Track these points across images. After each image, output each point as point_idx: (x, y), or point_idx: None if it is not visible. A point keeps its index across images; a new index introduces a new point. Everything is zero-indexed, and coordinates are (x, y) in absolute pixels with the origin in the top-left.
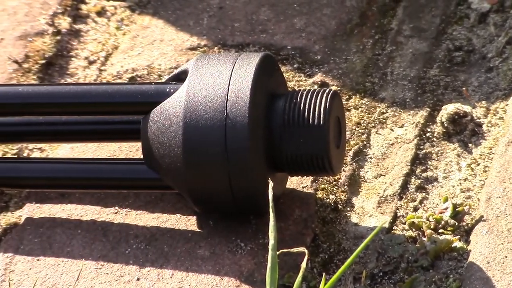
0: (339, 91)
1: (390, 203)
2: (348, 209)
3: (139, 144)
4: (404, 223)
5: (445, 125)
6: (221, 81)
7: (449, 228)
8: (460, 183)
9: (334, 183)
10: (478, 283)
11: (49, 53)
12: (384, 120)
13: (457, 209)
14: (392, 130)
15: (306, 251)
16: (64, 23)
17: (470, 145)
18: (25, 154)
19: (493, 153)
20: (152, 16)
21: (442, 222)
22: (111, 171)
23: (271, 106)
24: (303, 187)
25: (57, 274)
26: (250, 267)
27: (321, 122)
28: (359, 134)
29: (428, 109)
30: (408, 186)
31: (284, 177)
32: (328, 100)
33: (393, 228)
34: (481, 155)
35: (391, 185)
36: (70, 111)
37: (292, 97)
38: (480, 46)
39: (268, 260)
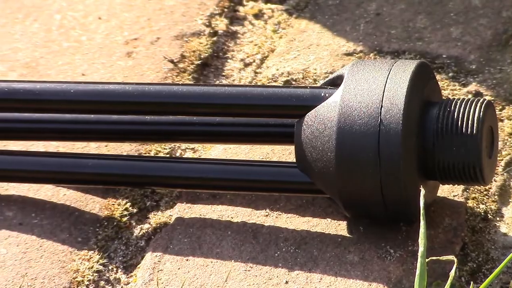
0: (492, 101)
1: None
2: (498, 219)
3: (292, 147)
4: None
5: None
6: (376, 87)
7: None
8: None
9: (484, 192)
10: None
11: (205, 54)
12: None
13: None
14: None
15: (455, 259)
16: (221, 24)
17: None
18: (177, 154)
19: None
20: (309, 20)
21: None
22: (263, 174)
23: (425, 114)
24: (454, 196)
25: (206, 275)
26: (398, 273)
27: (474, 132)
28: (511, 144)
29: None
30: None
31: (435, 185)
32: (481, 110)
33: None
34: None
35: None
36: (224, 112)
37: (446, 105)
38: None
39: (417, 267)
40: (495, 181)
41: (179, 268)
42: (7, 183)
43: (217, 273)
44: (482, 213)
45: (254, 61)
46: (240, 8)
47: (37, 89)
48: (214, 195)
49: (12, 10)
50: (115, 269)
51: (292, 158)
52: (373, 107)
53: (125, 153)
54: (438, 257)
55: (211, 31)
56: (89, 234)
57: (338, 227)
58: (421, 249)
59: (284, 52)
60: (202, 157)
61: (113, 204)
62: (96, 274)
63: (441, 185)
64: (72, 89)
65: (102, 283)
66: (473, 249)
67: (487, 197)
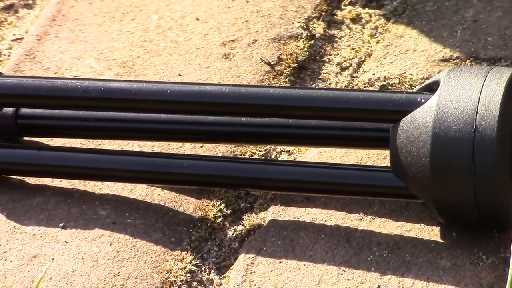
0: None
1: None
2: None
3: (386, 152)
4: None
5: None
6: (472, 93)
7: None
8: None
9: None
10: None
11: (302, 57)
12: None
13: None
14: None
15: None
16: (318, 27)
17: None
18: (273, 156)
19: None
20: (406, 26)
21: None
22: (357, 178)
23: None
24: None
25: (298, 278)
26: (490, 280)
27: None
28: None
29: None
30: None
31: None
32: None
33: None
34: None
35: None
36: (320, 115)
37: None
38: None
39: (508, 274)
40: None
41: (271, 270)
42: (101, 182)
43: (309, 276)
44: None
45: (351, 65)
46: (338, 12)
47: (133, 89)
48: (308, 198)
49: (110, 9)
50: (208, 270)
51: (386, 162)
52: (469, 114)
53: (220, 155)
54: None
55: (309, 34)
56: (183, 234)
57: (431, 233)
58: None
59: (381, 56)
60: (297, 159)
61: (207, 205)
62: (189, 275)
63: None
64: (168, 90)
65: (194, 283)
66: None
67: None
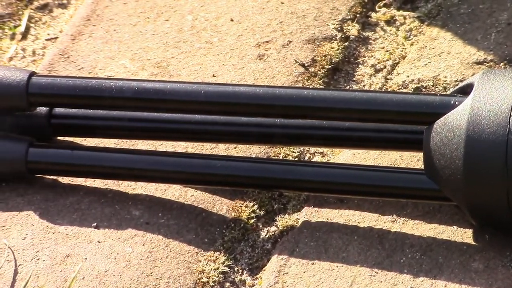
0: None
1: None
2: None
3: (419, 154)
4: None
5: None
6: (506, 96)
7: None
8: None
9: None
10: None
11: (336, 59)
12: None
13: None
14: None
15: None
16: (353, 29)
17: None
18: (306, 158)
19: None
20: (441, 28)
21: None
22: (391, 180)
23: None
24: None
25: (331, 279)
26: None
27: None
28: None
29: None
30: None
31: None
32: None
33: None
34: None
35: None
36: (354, 117)
37: None
38: None
39: None
40: None
41: (304, 272)
42: (135, 182)
43: (342, 278)
44: None
45: (385, 67)
46: (372, 14)
47: (168, 89)
48: (341, 199)
49: (144, 9)
50: (240, 271)
51: (420, 165)
52: (502, 116)
53: (254, 156)
54: None
55: (343, 36)
56: (216, 235)
57: (464, 235)
58: None
59: (415, 59)
60: (330, 161)
61: (241, 206)
62: (222, 276)
63: None
64: (202, 90)
65: (227, 284)
66: None
67: None
